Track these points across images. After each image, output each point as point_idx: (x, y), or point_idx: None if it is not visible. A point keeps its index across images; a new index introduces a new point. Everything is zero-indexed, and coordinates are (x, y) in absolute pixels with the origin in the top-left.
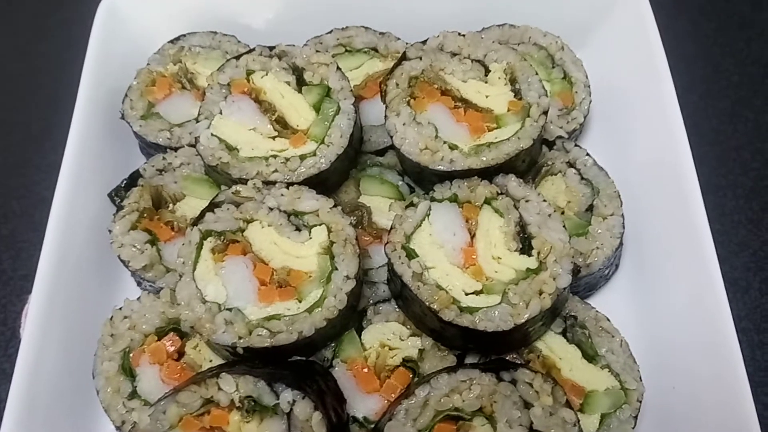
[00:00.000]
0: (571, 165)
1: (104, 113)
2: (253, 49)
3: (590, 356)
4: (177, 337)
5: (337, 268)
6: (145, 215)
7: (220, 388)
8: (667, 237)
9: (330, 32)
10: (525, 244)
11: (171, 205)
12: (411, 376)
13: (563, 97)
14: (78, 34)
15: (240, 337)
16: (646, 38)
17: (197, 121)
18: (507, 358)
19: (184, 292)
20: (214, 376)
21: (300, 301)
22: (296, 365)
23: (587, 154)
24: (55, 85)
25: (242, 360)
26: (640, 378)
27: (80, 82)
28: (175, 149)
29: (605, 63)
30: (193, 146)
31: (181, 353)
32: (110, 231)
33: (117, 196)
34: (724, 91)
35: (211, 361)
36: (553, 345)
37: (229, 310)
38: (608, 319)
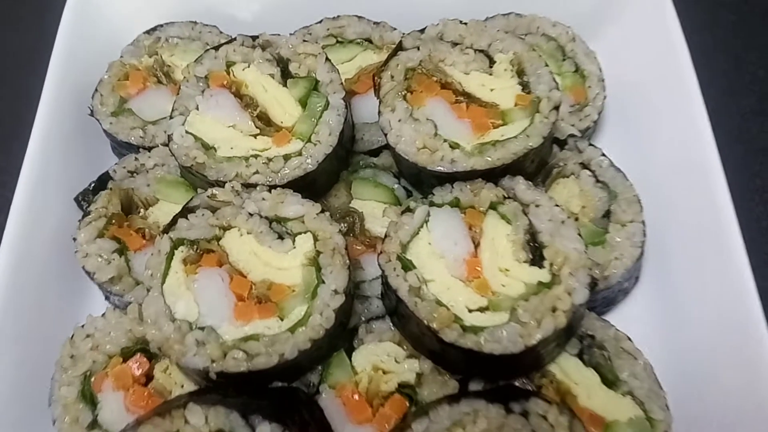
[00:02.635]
0: (585, 166)
1: (72, 109)
2: (234, 39)
3: (610, 381)
4: (145, 359)
5: (324, 282)
6: (113, 222)
7: (186, 421)
8: (692, 245)
9: (320, 22)
10: (536, 255)
11: (142, 210)
12: (408, 404)
13: (575, 92)
14: (51, 24)
15: (213, 361)
16: (665, 27)
17: (171, 118)
18: (516, 384)
19: (152, 308)
20: (180, 406)
21: (282, 319)
22: (276, 393)
23: (603, 155)
24: (24, 80)
25: (215, 386)
26: (667, 406)
27: (47, 74)
28: (149, 149)
29: (620, 54)
30: (167, 145)
31: (149, 377)
32: (75, 239)
33: (84, 200)
34: (749, 87)
35: (183, 386)
36: (568, 368)
37: (201, 329)
38: (630, 339)
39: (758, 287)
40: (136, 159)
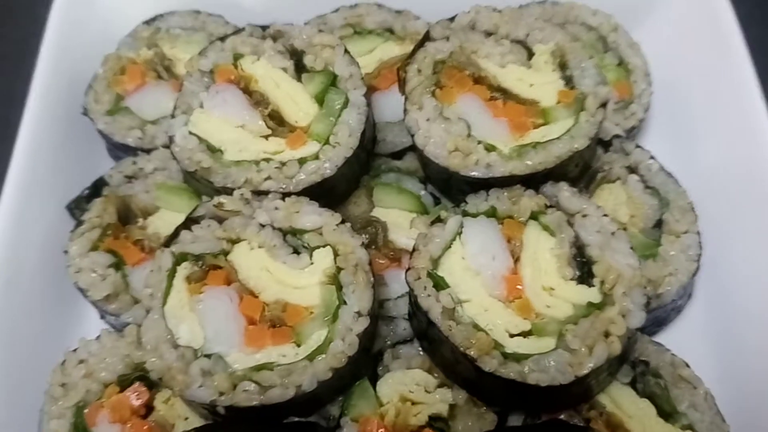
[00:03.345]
0: (632, 170)
1: (63, 108)
2: (243, 29)
3: (667, 413)
4: (144, 388)
5: (345, 302)
6: (108, 232)
7: None
8: (751, 256)
9: (336, 11)
10: (584, 271)
11: (141, 220)
12: None
13: (619, 87)
14: (41, 14)
15: (221, 393)
16: (717, 14)
17: (173, 117)
18: (562, 417)
19: (151, 332)
20: None
21: (298, 346)
22: (292, 429)
23: (652, 157)
24: (14, 76)
25: (224, 421)
26: None
27: (36, 69)
28: (148, 151)
29: (668, 46)
30: (169, 147)
31: (149, 408)
32: (66, 252)
33: (77, 208)
34: None
35: (187, 419)
36: (620, 399)
37: (208, 357)
38: (688, 365)
39: None
40: (134, 163)
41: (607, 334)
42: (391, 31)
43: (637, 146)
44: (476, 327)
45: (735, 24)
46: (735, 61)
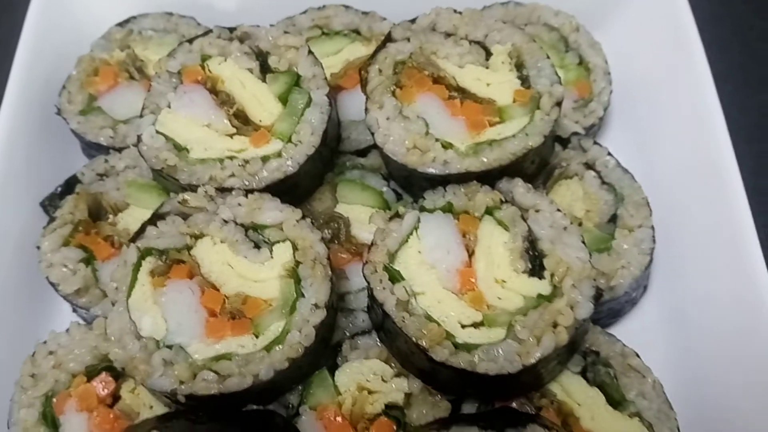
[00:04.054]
0: (589, 167)
1: (38, 108)
2: (210, 31)
3: (616, 401)
4: (110, 378)
5: (303, 295)
6: (80, 229)
7: None
8: (705, 251)
9: (304, 12)
10: (535, 265)
11: (112, 216)
12: (395, 427)
13: (579, 86)
14: (16, 16)
15: (181, 382)
16: (676, 15)
17: (141, 116)
18: (513, 405)
19: (116, 324)
20: None
21: (257, 337)
22: (251, 417)
23: (609, 154)
24: None
25: (185, 409)
26: (678, 428)
27: (11, 70)
28: (120, 150)
29: (628, 46)
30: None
31: (115, 397)
32: (39, 247)
33: (51, 205)
34: (765, 81)
35: (151, 407)
36: (570, 388)
37: (169, 347)
38: (637, 355)
39: None
40: (106, 161)
41: (555, 325)
42: (357, 32)
43: (595, 143)
44: (429, 318)
45: (693, 25)
46: (692, 61)
